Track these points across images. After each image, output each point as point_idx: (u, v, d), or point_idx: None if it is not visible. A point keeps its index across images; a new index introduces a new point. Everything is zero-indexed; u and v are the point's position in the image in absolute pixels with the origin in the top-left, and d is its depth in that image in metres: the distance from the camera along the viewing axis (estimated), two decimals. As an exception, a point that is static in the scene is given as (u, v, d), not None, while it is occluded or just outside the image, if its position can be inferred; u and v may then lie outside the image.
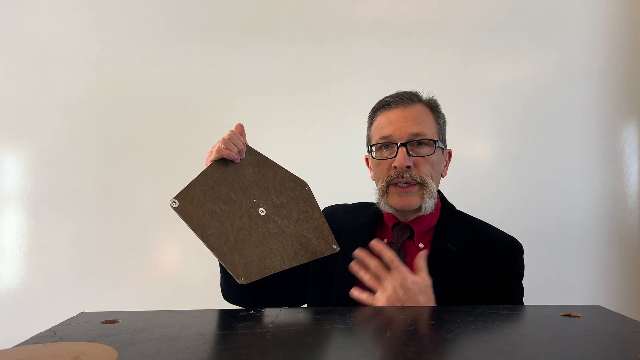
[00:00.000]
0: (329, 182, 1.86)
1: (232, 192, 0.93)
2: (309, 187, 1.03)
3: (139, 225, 1.81)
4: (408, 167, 1.05)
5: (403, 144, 1.06)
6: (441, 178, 1.14)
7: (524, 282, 1.09)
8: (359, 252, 0.95)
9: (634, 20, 1.83)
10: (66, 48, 1.84)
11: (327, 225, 1.00)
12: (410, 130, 1.06)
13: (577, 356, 0.56)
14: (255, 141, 1.82)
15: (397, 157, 1.05)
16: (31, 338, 0.63)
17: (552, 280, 1.76)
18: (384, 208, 1.11)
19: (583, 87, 1.82)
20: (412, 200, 1.06)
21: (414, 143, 1.06)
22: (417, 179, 1.05)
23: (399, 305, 0.87)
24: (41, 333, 0.65)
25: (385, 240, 1.14)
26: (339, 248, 0.99)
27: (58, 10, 1.85)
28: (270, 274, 0.90)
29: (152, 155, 1.83)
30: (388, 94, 1.15)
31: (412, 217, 1.11)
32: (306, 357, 0.57)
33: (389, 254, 0.92)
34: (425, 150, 1.07)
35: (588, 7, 1.83)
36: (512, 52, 1.85)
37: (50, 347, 0.55)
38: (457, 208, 1.18)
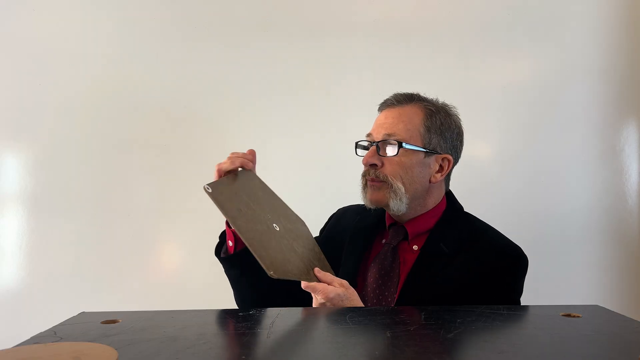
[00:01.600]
0: (327, 181, 1.86)
1: (251, 202, 0.97)
2: (306, 226, 1.11)
3: (139, 225, 1.81)
4: (374, 165, 1.09)
5: (375, 143, 1.10)
6: (429, 184, 1.12)
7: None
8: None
9: (634, 20, 1.83)
10: (66, 48, 1.84)
11: (327, 262, 1.05)
12: (384, 131, 1.10)
13: (577, 356, 0.56)
14: (255, 141, 1.83)
15: (366, 154, 1.11)
16: (31, 338, 0.63)
17: (552, 280, 1.76)
18: (365, 202, 1.15)
19: (583, 87, 1.82)
20: (378, 196, 1.09)
21: (384, 143, 1.09)
22: (379, 177, 1.08)
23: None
24: (41, 333, 0.65)
25: (384, 240, 1.15)
26: None
27: (58, 11, 1.85)
28: (292, 279, 0.90)
29: (152, 155, 1.83)
30: (390, 94, 1.17)
31: (405, 218, 1.13)
32: (306, 357, 0.57)
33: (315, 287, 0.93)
34: (390, 150, 1.09)
35: (588, 7, 1.83)
36: (512, 52, 1.85)
37: (50, 347, 0.55)
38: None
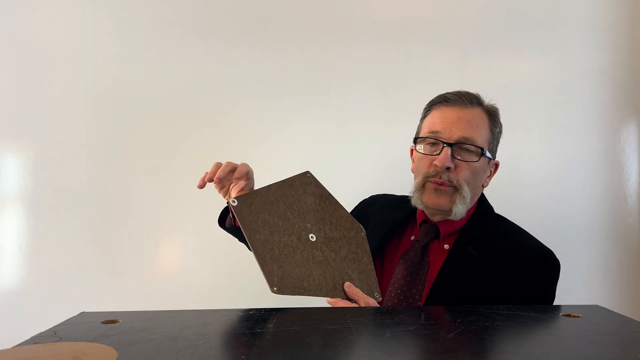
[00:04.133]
0: (328, 181, 1.86)
1: (289, 211, 0.96)
2: (364, 233, 1.01)
3: (139, 225, 1.81)
4: (448, 168, 1.03)
5: (449, 144, 1.03)
6: (482, 188, 1.12)
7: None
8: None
9: (634, 20, 1.83)
10: (66, 48, 1.84)
11: (374, 273, 0.98)
12: (460, 133, 1.04)
13: (577, 356, 0.56)
14: (255, 141, 1.83)
15: (440, 155, 1.03)
16: (31, 338, 0.63)
17: (552, 280, 1.76)
18: (415, 203, 1.09)
19: (583, 87, 1.82)
20: (444, 201, 1.04)
21: (460, 146, 1.04)
22: (453, 182, 1.03)
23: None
24: (41, 333, 0.65)
25: (413, 237, 1.12)
26: (381, 299, 0.94)
27: (58, 11, 1.85)
28: (304, 295, 0.89)
29: (152, 155, 1.83)
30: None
31: (440, 217, 1.09)
32: (306, 357, 0.57)
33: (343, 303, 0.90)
34: (470, 156, 1.04)
35: (588, 7, 1.83)
36: (512, 52, 1.85)
37: (50, 347, 0.55)
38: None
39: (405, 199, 1.20)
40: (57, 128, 1.82)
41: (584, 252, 1.79)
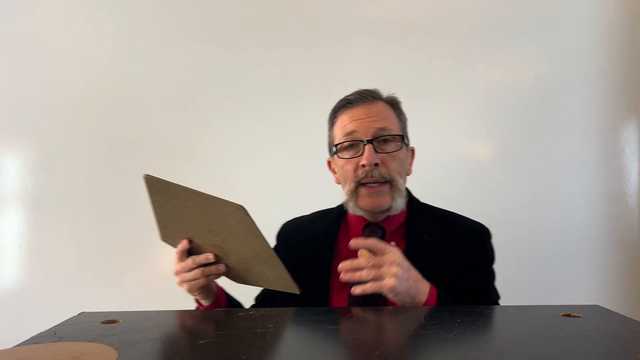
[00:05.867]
0: (327, 182, 1.86)
1: (189, 227, 0.90)
2: (244, 209, 0.80)
3: (139, 225, 1.81)
4: (376, 164, 1.01)
5: (369, 141, 1.02)
6: (407, 176, 1.12)
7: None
8: (354, 242, 0.90)
9: (634, 20, 1.83)
10: (66, 48, 1.84)
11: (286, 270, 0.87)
12: (376, 126, 1.04)
13: (577, 356, 0.56)
14: (255, 141, 1.83)
15: (365, 154, 1.02)
16: (31, 338, 0.63)
17: (552, 280, 1.76)
18: (353, 211, 1.07)
19: (583, 87, 1.82)
20: (383, 200, 1.03)
21: (380, 140, 1.03)
22: (386, 177, 1.02)
23: (405, 280, 0.84)
24: (41, 333, 0.65)
25: None
26: (298, 290, 0.87)
27: (58, 11, 1.85)
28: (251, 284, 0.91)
29: (152, 155, 1.83)
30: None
31: (382, 217, 1.09)
32: (306, 357, 0.57)
33: (372, 242, 0.89)
34: (391, 146, 1.04)
35: (588, 6, 1.83)
36: (512, 52, 1.85)
37: (50, 347, 0.55)
38: (435, 204, 1.16)
39: (319, 214, 1.20)
40: (57, 128, 1.82)
41: (584, 252, 1.79)
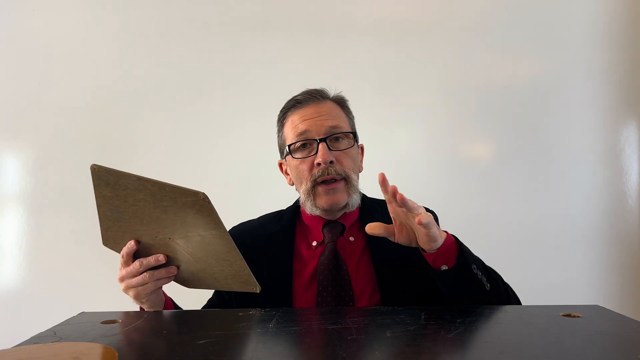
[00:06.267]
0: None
1: (138, 225, 0.84)
2: (205, 197, 0.75)
3: (139, 225, 1.81)
4: (331, 162, 1.02)
5: (322, 139, 1.03)
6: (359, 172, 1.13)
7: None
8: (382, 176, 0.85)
9: (634, 20, 1.83)
10: (66, 48, 1.84)
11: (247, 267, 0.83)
12: (327, 124, 1.04)
13: (577, 356, 0.56)
14: (254, 141, 1.83)
15: (319, 152, 1.02)
16: (31, 338, 0.63)
17: (552, 280, 1.76)
18: (311, 211, 1.06)
19: (583, 87, 1.82)
20: (340, 198, 1.03)
21: (332, 138, 1.04)
22: (341, 174, 1.03)
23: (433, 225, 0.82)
24: (41, 333, 0.65)
25: (315, 242, 1.09)
26: (259, 289, 0.84)
27: (58, 11, 1.85)
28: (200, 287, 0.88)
29: (152, 155, 1.83)
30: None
31: (339, 214, 1.09)
32: (306, 357, 0.57)
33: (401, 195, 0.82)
34: (344, 144, 1.05)
35: (588, 7, 1.83)
36: (512, 52, 1.85)
37: (50, 347, 0.55)
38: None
39: (269, 217, 1.18)
40: (57, 128, 1.82)
41: (584, 252, 1.79)
